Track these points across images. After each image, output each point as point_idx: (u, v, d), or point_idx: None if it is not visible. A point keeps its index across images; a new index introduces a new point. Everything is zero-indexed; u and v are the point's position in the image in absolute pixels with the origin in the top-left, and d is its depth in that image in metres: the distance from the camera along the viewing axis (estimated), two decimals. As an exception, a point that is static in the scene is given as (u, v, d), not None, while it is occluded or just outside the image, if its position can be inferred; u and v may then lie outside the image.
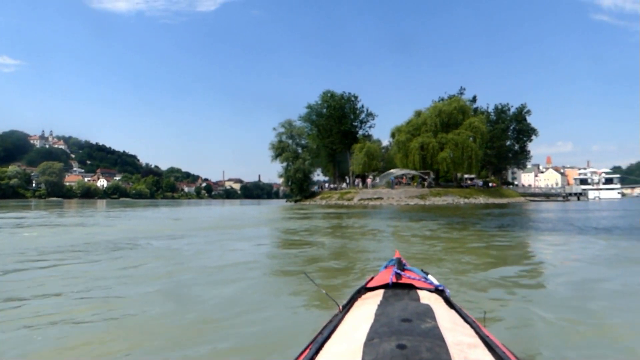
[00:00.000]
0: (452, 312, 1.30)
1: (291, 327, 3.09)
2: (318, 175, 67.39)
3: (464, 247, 8.28)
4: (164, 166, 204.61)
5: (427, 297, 1.42)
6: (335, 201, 47.18)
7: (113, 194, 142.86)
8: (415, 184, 51.70)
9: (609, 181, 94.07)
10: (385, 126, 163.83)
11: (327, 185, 62.88)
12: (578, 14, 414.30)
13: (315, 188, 62.42)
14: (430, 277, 1.75)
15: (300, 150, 60.72)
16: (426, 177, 50.62)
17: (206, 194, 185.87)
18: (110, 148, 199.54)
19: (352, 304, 1.46)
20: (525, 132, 69.84)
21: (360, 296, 1.54)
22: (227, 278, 4.98)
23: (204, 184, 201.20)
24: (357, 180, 55.04)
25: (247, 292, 4.22)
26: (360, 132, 62.14)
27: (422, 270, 1.85)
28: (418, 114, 54.58)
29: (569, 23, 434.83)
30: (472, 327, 1.14)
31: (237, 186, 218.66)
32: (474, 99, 65.18)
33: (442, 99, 58.15)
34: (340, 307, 1.45)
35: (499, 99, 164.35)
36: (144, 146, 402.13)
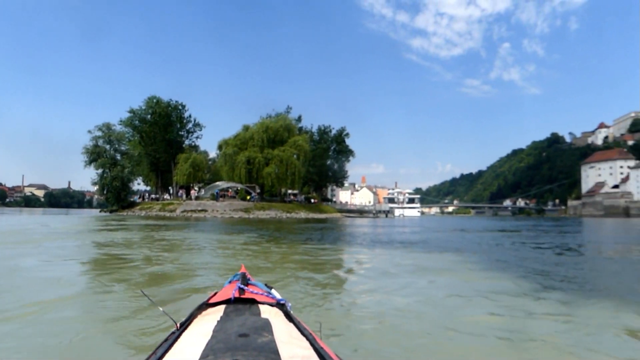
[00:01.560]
0: (291, 325, 1.32)
1: (124, 349, 2.90)
2: (139, 184, 63.22)
3: (288, 259, 8.60)
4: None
5: (267, 312, 1.43)
6: (157, 212, 44.69)
7: None
8: (240, 197, 52.01)
9: (411, 201, 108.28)
10: (214, 137, 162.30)
11: (148, 195, 59.16)
12: (393, 52, 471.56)
13: (135, 198, 58.20)
14: (273, 291, 1.78)
15: (119, 157, 56.21)
16: (252, 191, 51.38)
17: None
18: None
19: (191, 321, 1.41)
20: (344, 153, 75.93)
21: (200, 312, 1.49)
22: (39, 301, 4.23)
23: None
24: (181, 192, 53.10)
25: (63, 319, 3.68)
26: (187, 142, 60.22)
27: (266, 285, 1.85)
28: (246, 128, 55.41)
29: (386, 59, 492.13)
30: (308, 339, 1.17)
31: (40, 193, 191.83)
32: (299, 119, 68.58)
33: (270, 116, 60.01)
34: (178, 325, 1.38)
35: (323, 121, 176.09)
36: None
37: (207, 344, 1.03)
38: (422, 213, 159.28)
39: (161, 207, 46.90)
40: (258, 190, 52.97)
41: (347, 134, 75.42)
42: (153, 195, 58.58)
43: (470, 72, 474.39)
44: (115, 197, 53.18)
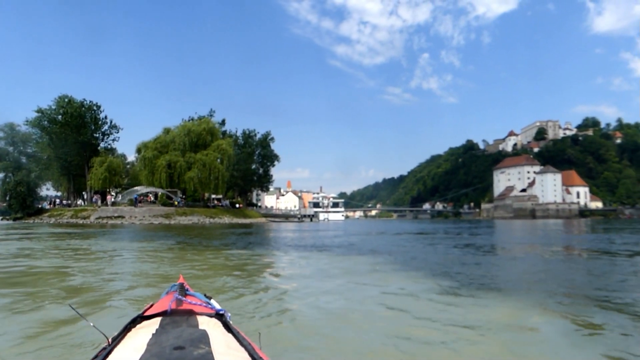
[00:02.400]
0: (229, 336, 1.30)
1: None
2: (48, 189, 58.93)
3: (214, 266, 8.54)
4: None
5: (206, 323, 1.40)
6: (68, 219, 41.86)
7: None
8: (161, 202, 50.13)
9: (335, 205, 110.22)
10: (133, 140, 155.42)
11: (59, 201, 55.21)
12: (318, 58, 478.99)
13: (44, 204, 54.05)
14: (212, 301, 1.74)
15: (24, 160, 52.04)
16: (173, 195, 49.73)
17: None
18: None
19: (124, 335, 1.34)
20: (269, 157, 75.91)
21: (134, 326, 1.43)
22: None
23: None
24: (95, 197, 50.06)
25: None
26: (102, 144, 56.92)
27: (205, 295, 1.81)
28: (167, 131, 53.71)
29: (311, 64, 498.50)
30: (247, 349, 1.17)
31: None
32: (223, 122, 67.67)
33: (193, 119, 58.63)
34: (110, 340, 1.32)
35: (249, 125, 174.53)
36: None
37: (140, 359, 1.00)
38: (347, 217, 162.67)
39: (73, 213, 43.98)
40: (181, 195, 51.37)
41: (272, 139, 75.56)
42: (65, 202, 54.79)
43: (392, 80, 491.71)
44: (19, 203, 48.89)
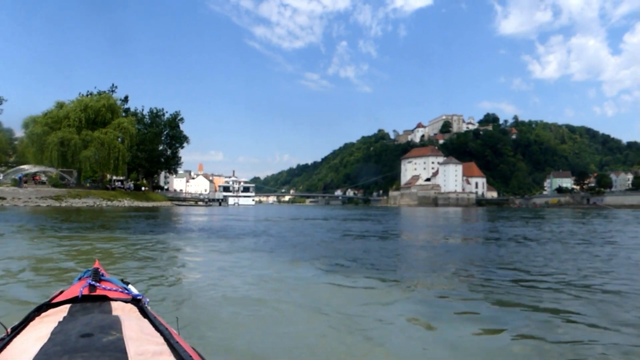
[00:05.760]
0: (145, 321, 1.23)
1: None
2: None
3: (105, 251, 8.30)
4: None
5: (120, 309, 1.32)
6: None
7: None
8: (52, 183, 45.87)
9: (246, 189, 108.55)
10: (20, 114, 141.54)
11: None
12: (235, 37, 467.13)
13: None
14: (130, 287, 1.63)
15: None
16: (67, 176, 45.75)
17: None
18: None
19: (27, 324, 1.19)
20: (178, 138, 72.54)
21: (38, 314, 1.28)
22: None
23: None
24: (-28, 176, 44.72)
25: None
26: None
27: (122, 280, 1.68)
28: (60, 105, 49.02)
29: (228, 44, 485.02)
30: (162, 334, 1.10)
31: None
32: (125, 99, 63.57)
33: (91, 94, 54.09)
34: (9, 330, 1.15)
35: (159, 105, 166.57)
36: None
37: (42, 349, 0.91)
38: (260, 201, 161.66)
39: (-58, 194, 38.84)
40: (76, 176, 47.45)
41: (182, 119, 72.36)
42: None
43: (310, 66, 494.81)
44: None
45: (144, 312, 1.34)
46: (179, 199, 73.51)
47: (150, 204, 48.70)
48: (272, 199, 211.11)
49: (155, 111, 70.02)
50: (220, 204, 74.92)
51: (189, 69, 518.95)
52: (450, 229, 19.54)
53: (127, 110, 61.30)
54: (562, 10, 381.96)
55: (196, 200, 76.54)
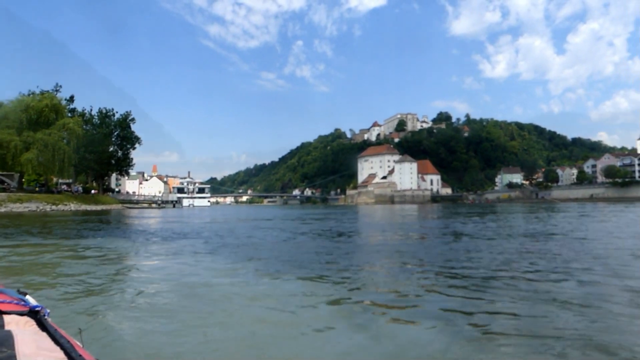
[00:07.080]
0: (43, 335, 1.13)
1: None
2: None
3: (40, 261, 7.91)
4: None
5: (14, 322, 1.20)
6: None
7: None
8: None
9: (201, 190, 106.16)
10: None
11: None
12: (189, 36, 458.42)
13: None
14: (28, 297, 1.44)
15: None
16: (7, 180, 43.35)
17: None
18: None
19: None
20: (129, 139, 70.32)
21: None
22: None
23: None
24: None
25: None
26: None
27: (18, 291, 1.48)
28: (-2, 105, 46.22)
29: (181, 43, 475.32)
30: (63, 348, 1.04)
31: None
32: (71, 99, 60.92)
33: (33, 93, 51.42)
34: None
35: (110, 105, 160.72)
36: None
37: None
38: (217, 202, 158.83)
39: None
40: (17, 179, 45.02)
41: (133, 119, 70.23)
42: None
43: (266, 65, 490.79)
44: None
45: (43, 325, 1.22)
46: (131, 201, 71.35)
47: (99, 207, 46.98)
48: (229, 199, 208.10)
49: (104, 111, 67.69)
50: (174, 206, 73.26)
51: (142, 68, 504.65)
52: (402, 227, 19.82)
53: (73, 111, 58.85)
54: (510, 11, 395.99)
55: (149, 202, 74.56)
